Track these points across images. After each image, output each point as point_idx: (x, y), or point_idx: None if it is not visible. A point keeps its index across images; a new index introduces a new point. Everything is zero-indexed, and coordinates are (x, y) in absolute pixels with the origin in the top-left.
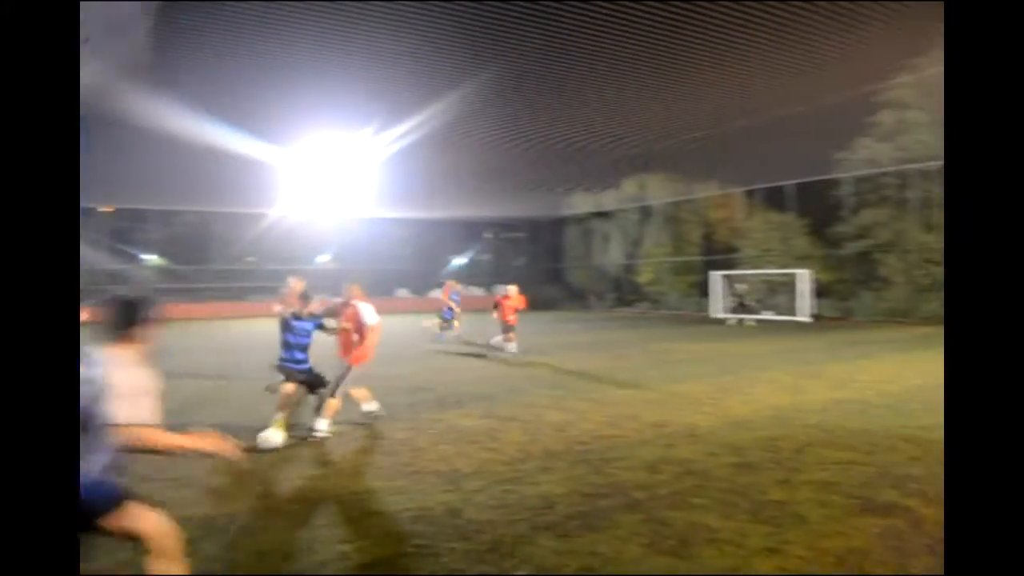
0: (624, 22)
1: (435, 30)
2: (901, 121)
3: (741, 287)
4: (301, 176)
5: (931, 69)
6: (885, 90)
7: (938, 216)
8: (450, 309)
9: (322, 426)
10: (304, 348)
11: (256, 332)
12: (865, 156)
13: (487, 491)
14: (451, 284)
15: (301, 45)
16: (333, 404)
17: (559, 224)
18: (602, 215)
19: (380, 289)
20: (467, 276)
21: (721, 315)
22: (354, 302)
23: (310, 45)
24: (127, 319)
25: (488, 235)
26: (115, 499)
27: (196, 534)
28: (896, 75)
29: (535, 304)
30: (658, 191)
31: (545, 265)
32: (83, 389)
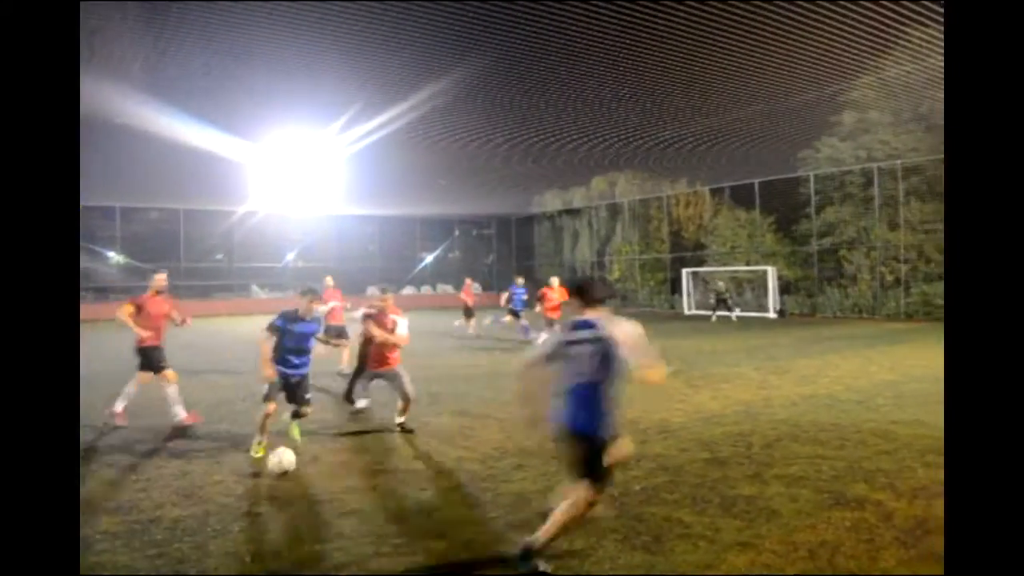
0: (593, 22)
1: (406, 28)
2: (862, 121)
3: (720, 284)
4: (269, 173)
5: (891, 70)
6: (847, 91)
7: (901, 214)
8: (522, 301)
9: (401, 419)
10: (302, 352)
11: (227, 330)
12: (828, 155)
13: (462, 489)
14: (470, 282)
15: (268, 40)
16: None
17: (529, 221)
18: (572, 212)
19: (351, 287)
20: (437, 274)
21: (691, 311)
22: (392, 315)
23: (278, 41)
24: (602, 293)
25: (458, 232)
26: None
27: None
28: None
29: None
30: (627, 189)
31: (515, 262)
32: (598, 346)
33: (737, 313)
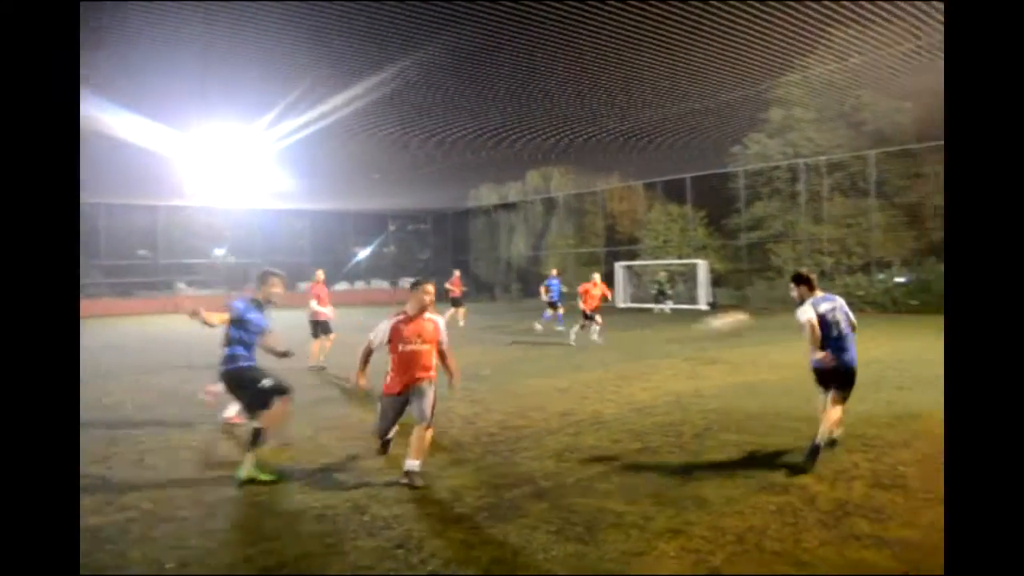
0: (526, 17)
1: (341, 21)
2: (789, 118)
3: (661, 276)
4: (197, 165)
5: (816, 68)
6: (774, 88)
7: (825, 208)
8: (559, 294)
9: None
10: (250, 346)
11: (151, 330)
12: (757, 151)
13: (395, 486)
14: (459, 274)
15: (195, 31)
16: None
17: (464, 216)
18: (507, 207)
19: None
20: (371, 269)
21: (626, 304)
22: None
23: (205, 31)
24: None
25: (393, 227)
26: None
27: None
28: (784, 74)
29: (441, 297)
30: (562, 183)
31: (451, 257)
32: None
33: (670, 306)
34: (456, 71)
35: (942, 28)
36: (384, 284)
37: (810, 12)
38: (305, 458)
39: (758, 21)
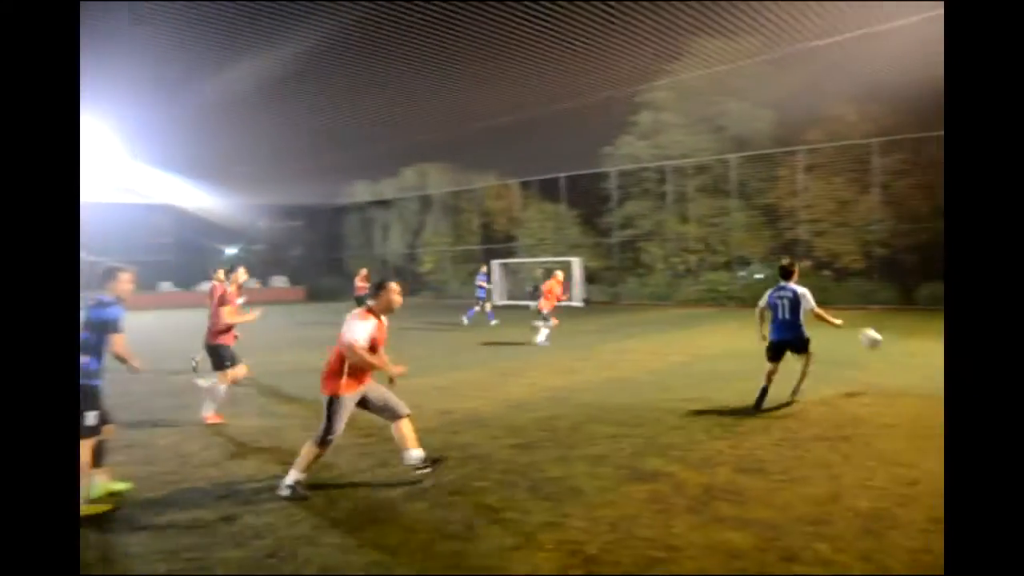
0: (401, 13)
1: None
2: (658, 121)
3: (538, 273)
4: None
5: (684, 74)
6: (644, 92)
7: (691, 208)
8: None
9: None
10: (101, 354)
11: None
12: (628, 152)
13: (265, 495)
14: (366, 272)
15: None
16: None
17: (338, 212)
18: (383, 203)
19: (140, 283)
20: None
21: (502, 302)
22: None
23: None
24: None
25: (263, 223)
26: None
27: None
28: (653, 79)
29: (315, 295)
30: (438, 181)
31: (324, 255)
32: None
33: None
34: (325, 65)
35: (799, 39)
36: (252, 283)
37: (678, 20)
38: (169, 469)
39: (628, 26)
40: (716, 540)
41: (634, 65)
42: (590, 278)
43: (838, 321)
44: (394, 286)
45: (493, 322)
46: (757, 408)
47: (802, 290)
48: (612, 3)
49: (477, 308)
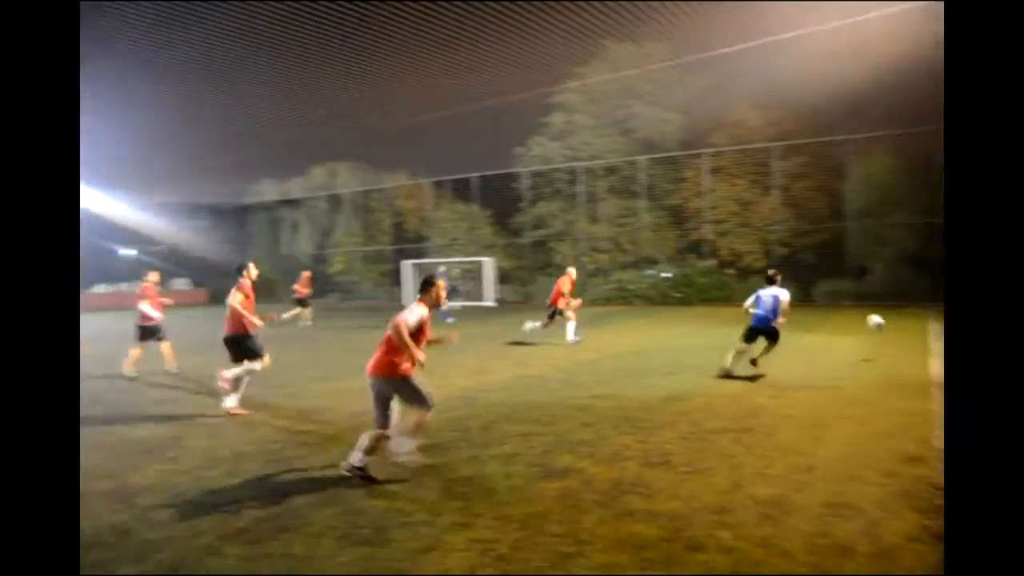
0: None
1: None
2: (569, 123)
3: (453, 273)
4: None
5: (595, 77)
6: (556, 93)
7: (601, 209)
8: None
9: (410, 445)
10: None
11: None
12: (539, 153)
13: (165, 506)
14: (308, 275)
15: None
16: (421, 420)
17: (243, 212)
18: (290, 203)
19: None
20: (138, 269)
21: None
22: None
23: None
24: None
25: (163, 223)
26: None
27: None
28: (565, 80)
29: (219, 297)
30: (348, 180)
31: (228, 255)
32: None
33: (461, 303)
34: (228, 60)
35: (704, 46)
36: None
37: (589, 24)
38: None
39: (539, 28)
40: (625, 533)
41: (545, 67)
42: (503, 278)
43: (784, 320)
44: (441, 283)
45: (449, 320)
46: (728, 376)
47: (785, 296)
48: (523, 4)
49: (445, 307)
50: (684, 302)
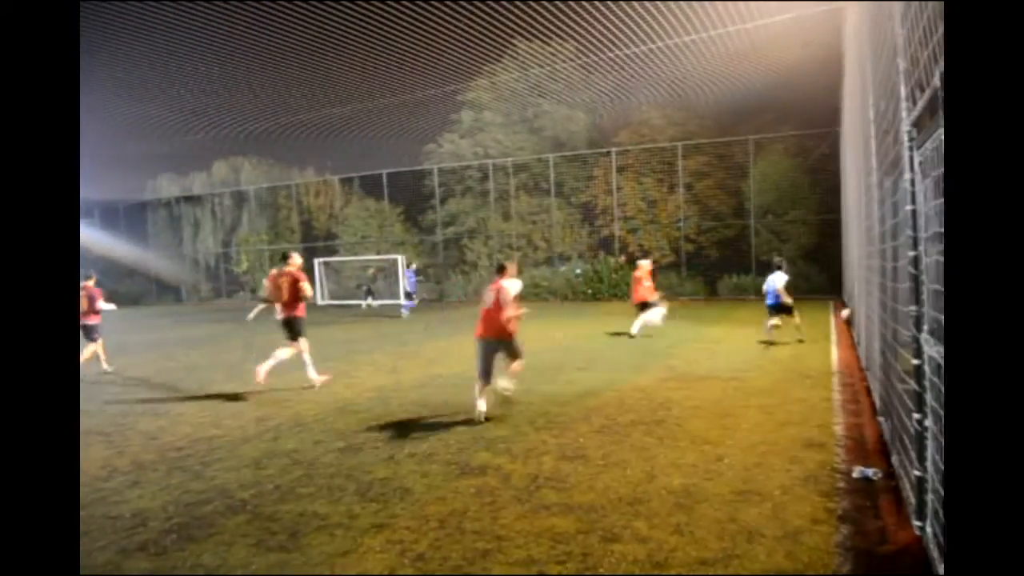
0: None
1: None
2: (479, 120)
3: (370, 272)
4: None
5: (503, 75)
6: (465, 91)
7: (513, 206)
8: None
9: (509, 384)
10: None
11: None
12: (450, 150)
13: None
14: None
15: None
16: (520, 366)
17: (140, 209)
18: (192, 199)
19: None
20: None
21: (325, 302)
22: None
23: None
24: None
25: None
26: None
27: None
28: (472, 78)
29: (114, 299)
30: (253, 175)
31: (125, 254)
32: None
33: (379, 301)
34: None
35: (609, 47)
36: None
37: (495, 21)
38: None
39: (447, 24)
40: (542, 527)
41: (454, 63)
42: (416, 275)
43: (785, 299)
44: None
45: (405, 313)
46: (769, 343)
47: (779, 281)
48: (432, 1)
49: (415, 302)
50: (595, 297)
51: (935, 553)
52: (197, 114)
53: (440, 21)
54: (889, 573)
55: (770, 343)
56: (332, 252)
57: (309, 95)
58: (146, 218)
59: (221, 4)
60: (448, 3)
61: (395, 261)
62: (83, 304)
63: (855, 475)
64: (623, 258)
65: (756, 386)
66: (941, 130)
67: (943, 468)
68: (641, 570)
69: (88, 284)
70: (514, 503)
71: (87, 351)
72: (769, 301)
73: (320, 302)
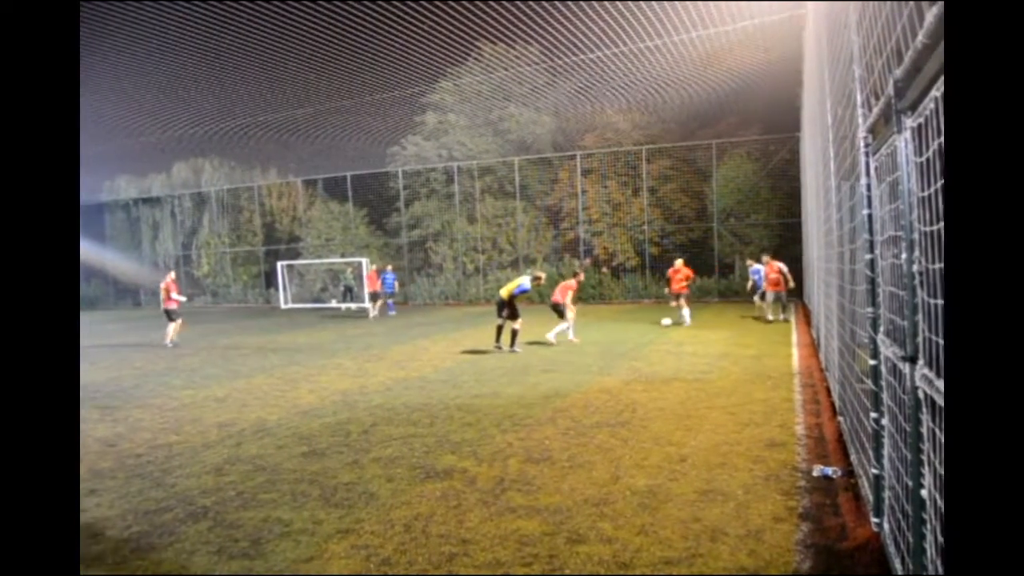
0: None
1: None
2: (443, 122)
3: (348, 275)
4: None
5: (467, 77)
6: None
7: (478, 209)
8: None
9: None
10: None
11: None
12: (415, 152)
13: None
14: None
15: None
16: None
17: (97, 211)
18: (151, 201)
19: None
20: None
21: (289, 305)
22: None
23: None
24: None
25: None
26: None
27: None
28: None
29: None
30: (215, 177)
31: (82, 257)
32: None
33: (357, 304)
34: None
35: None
36: None
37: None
38: None
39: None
40: (508, 530)
41: (417, 65)
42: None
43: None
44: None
45: (392, 313)
46: (766, 321)
47: (763, 268)
48: (395, 2)
49: (392, 300)
50: None
51: (891, 548)
52: (155, 115)
53: (403, 22)
54: (848, 569)
55: (765, 320)
56: (295, 255)
57: (270, 96)
58: (104, 220)
59: (182, 3)
60: (411, 4)
61: (359, 264)
62: (163, 294)
63: (815, 474)
64: (588, 260)
65: (719, 387)
66: (895, 136)
67: (944, 479)
68: (607, 571)
69: (169, 280)
70: (480, 506)
71: (172, 328)
72: (759, 286)
73: (283, 306)
